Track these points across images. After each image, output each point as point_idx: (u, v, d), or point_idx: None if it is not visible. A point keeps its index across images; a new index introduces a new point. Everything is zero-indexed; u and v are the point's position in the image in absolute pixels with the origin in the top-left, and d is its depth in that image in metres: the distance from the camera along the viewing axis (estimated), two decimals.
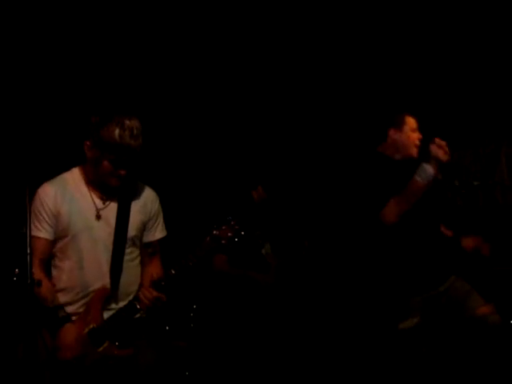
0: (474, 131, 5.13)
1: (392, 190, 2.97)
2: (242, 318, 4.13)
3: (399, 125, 3.15)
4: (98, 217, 2.49)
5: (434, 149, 2.89)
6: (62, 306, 2.43)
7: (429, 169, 2.89)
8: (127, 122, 2.36)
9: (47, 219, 2.44)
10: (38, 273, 2.27)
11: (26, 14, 3.73)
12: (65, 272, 2.48)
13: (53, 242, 2.48)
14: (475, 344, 2.94)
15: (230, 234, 2.44)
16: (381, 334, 3.24)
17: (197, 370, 3.94)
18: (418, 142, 3.14)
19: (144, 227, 2.62)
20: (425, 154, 2.97)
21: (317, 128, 5.12)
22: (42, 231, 2.43)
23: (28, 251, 2.05)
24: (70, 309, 2.48)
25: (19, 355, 2.28)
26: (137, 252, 2.62)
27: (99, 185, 2.50)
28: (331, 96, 4.98)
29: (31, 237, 2.35)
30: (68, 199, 2.48)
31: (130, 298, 2.52)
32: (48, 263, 2.50)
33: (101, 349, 2.40)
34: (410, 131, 3.14)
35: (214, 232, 2.45)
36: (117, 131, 2.34)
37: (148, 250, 2.66)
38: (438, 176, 2.98)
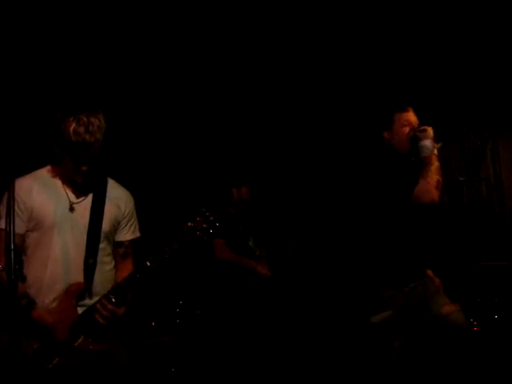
0: (460, 128, 5.17)
1: (409, 179, 3.04)
2: (229, 311, 4.14)
3: (389, 125, 3.22)
4: (72, 209, 2.50)
5: (418, 134, 3.09)
6: (24, 295, 2.39)
7: (424, 143, 3.04)
8: (84, 118, 2.35)
9: (19, 213, 2.43)
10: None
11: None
12: (36, 264, 2.47)
13: (22, 236, 2.46)
14: (440, 341, 3.00)
15: (204, 226, 2.41)
16: (353, 327, 3.29)
17: (183, 365, 3.94)
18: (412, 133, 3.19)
19: (118, 224, 2.62)
20: (414, 139, 3.10)
21: (311, 128, 5.16)
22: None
23: (12, 247, 2.03)
24: (41, 303, 2.45)
25: (2, 350, 2.26)
26: (110, 249, 2.61)
27: (71, 181, 2.50)
28: (324, 97, 5.01)
29: (0, 230, 2.36)
30: (42, 191, 2.48)
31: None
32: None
33: (76, 344, 2.39)
34: (401, 127, 3.18)
35: (189, 224, 2.42)
36: (72, 126, 2.33)
37: (119, 251, 2.64)
38: (438, 144, 3.07)
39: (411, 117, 3.21)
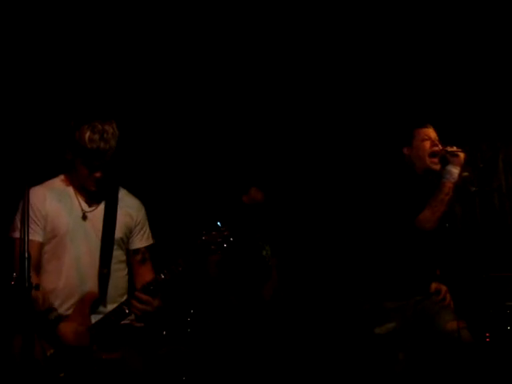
0: (472, 138, 5.15)
1: (418, 201, 3.05)
2: (239, 322, 4.14)
3: (409, 141, 3.23)
4: (85, 217, 2.54)
5: (448, 157, 3.07)
6: (52, 309, 2.44)
7: (450, 169, 3.03)
8: (98, 126, 2.41)
9: (37, 221, 2.48)
10: (32, 276, 2.26)
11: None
12: (50, 273, 2.51)
13: (42, 244, 2.51)
14: (442, 356, 2.99)
15: (219, 240, 2.45)
16: (357, 338, 3.29)
17: (194, 374, 3.95)
18: (431, 150, 3.18)
19: (130, 233, 2.66)
20: (444, 160, 3.09)
21: (322, 136, 5.16)
22: (32, 234, 2.43)
23: (26, 255, 2.06)
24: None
25: (16, 355, 2.29)
26: (123, 257, 2.66)
27: (84, 190, 2.55)
28: (335, 104, 5.02)
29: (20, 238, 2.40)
30: (56, 200, 2.53)
31: (118, 302, 2.54)
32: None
33: None
34: (421, 142, 3.18)
35: (204, 237, 2.47)
36: (87, 134, 2.40)
37: (137, 258, 2.69)
38: (464, 173, 3.08)
39: (431, 132, 3.22)
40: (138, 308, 2.44)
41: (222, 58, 4.53)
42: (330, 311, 4.49)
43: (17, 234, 2.42)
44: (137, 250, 2.69)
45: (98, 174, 2.46)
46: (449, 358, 2.94)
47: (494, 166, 5.20)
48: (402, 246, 3.09)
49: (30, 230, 2.36)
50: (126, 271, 2.67)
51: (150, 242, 2.74)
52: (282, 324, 4.22)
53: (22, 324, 2.00)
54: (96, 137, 2.39)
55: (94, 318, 2.49)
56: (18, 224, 2.41)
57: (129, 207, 2.67)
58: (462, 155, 3.05)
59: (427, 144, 3.17)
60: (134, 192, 2.78)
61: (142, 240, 2.70)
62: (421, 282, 3.12)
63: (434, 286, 3.19)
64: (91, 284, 2.51)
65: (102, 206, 2.59)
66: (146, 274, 2.62)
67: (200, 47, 4.42)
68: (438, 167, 3.12)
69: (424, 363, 3.05)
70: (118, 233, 2.59)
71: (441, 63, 4.67)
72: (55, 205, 2.52)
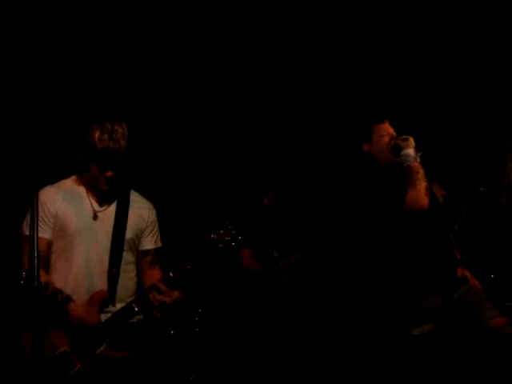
0: (480, 138, 5.13)
1: (396, 190, 3.05)
2: (248, 320, 4.14)
3: (368, 137, 3.26)
4: (95, 217, 2.56)
5: (399, 143, 3.12)
6: (59, 291, 2.45)
7: (407, 152, 3.07)
8: (108, 126, 2.44)
9: (46, 220, 2.51)
10: (41, 274, 2.28)
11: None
12: (59, 272, 2.53)
13: (51, 242, 2.52)
14: (487, 355, 2.94)
15: (227, 238, 2.48)
16: (393, 339, 3.24)
17: (202, 373, 3.95)
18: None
19: (141, 233, 2.68)
20: (396, 148, 3.14)
21: (318, 136, 5.16)
22: (40, 231, 2.45)
23: (35, 254, 2.07)
24: None
25: (25, 354, 2.30)
26: (133, 258, 2.67)
27: (95, 190, 2.57)
28: (333, 104, 5.02)
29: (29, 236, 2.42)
30: (67, 200, 2.56)
31: (127, 302, 2.55)
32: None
33: (98, 351, 2.43)
34: (380, 138, 3.22)
35: (212, 236, 2.50)
36: (97, 134, 2.43)
37: (147, 259, 2.70)
38: (420, 152, 3.10)
39: (389, 128, 3.27)
40: (158, 303, 2.47)
41: (242, 64, 4.57)
42: (364, 311, 4.43)
43: (26, 232, 2.44)
44: (147, 252, 2.71)
45: (109, 174, 2.48)
46: (495, 356, 2.89)
47: (502, 166, 5.18)
48: (412, 239, 3.06)
49: (38, 227, 2.40)
50: (135, 272, 2.68)
51: (159, 244, 2.76)
52: (293, 324, 4.21)
53: (32, 322, 2.01)
54: (106, 137, 2.42)
55: (103, 317, 2.50)
56: (28, 222, 2.43)
57: (140, 209, 2.69)
58: (410, 138, 3.11)
59: (386, 139, 3.21)
60: (144, 191, 2.79)
61: (151, 241, 2.72)
62: (446, 271, 3.06)
63: (459, 271, 3.17)
64: (99, 284, 2.52)
65: (113, 207, 2.61)
66: (155, 276, 2.63)
67: (216, 53, 4.45)
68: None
69: (467, 361, 3.00)
70: (129, 233, 2.61)
71: (449, 64, 4.66)
72: (66, 204, 2.54)
